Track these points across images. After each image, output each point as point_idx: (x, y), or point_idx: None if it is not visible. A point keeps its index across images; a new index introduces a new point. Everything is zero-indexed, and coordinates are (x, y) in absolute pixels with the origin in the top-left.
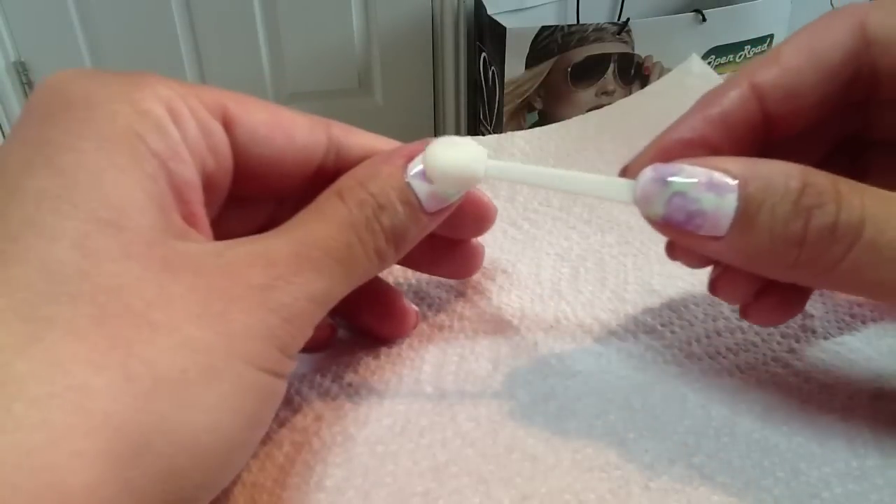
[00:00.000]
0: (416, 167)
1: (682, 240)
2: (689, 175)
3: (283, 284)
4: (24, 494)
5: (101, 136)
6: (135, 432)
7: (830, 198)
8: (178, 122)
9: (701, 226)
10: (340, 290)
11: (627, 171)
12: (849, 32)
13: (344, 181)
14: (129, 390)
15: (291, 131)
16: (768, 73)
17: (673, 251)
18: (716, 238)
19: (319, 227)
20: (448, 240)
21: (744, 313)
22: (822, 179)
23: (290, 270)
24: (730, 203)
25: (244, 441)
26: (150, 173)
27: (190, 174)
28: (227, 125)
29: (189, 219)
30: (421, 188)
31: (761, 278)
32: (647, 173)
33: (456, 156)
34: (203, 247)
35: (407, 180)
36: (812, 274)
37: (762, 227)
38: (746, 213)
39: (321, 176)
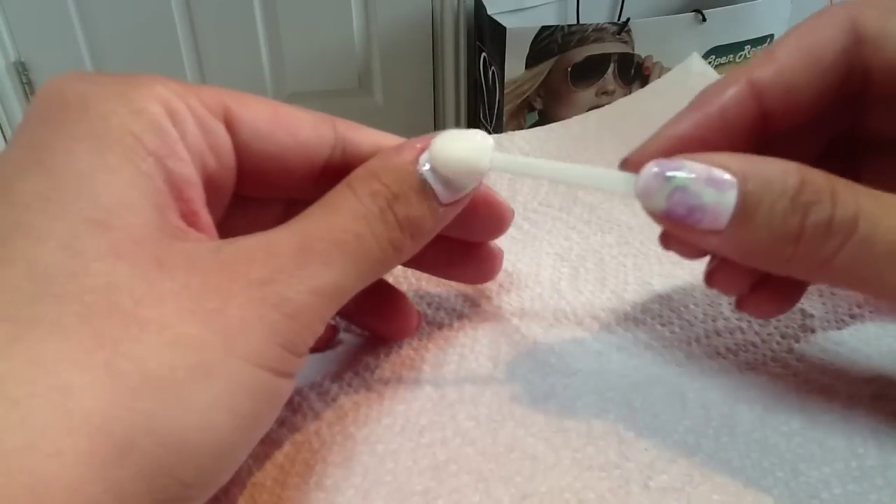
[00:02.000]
0: (428, 158)
1: (682, 233)
2: (690, 171)
3: (286, 278)
4: (1, 497)
5: (95, 136)
6: (119, 431)
7: (826, 195)
8: (176, 121)
9: (701, 220)
10: (351, 284)
11: (627, 164)
12: (841, 30)
13: (356, 173)
14: (113, 389)
15: (295, 128)
16: (766, 70)
17: (668, 241)
18: (715, 232)
19: (327, 218)
20: (464, 243)
21: (739, 305)
22: (818, 177)
23: (293, 263)
24: (729, 199)
25: (240, 441)
26: (145, 171)
27: (189, 172)
28: (229, 124)
29: (190, 217)
30: (435, 179)
31: (757, 271)
32: (650, 168)
33: (461, 147)
34: (200, 244)
35: (420, 170)
36: (808, 268)
37: (760, 222)
38: (745, 208)
39: (329, 173)
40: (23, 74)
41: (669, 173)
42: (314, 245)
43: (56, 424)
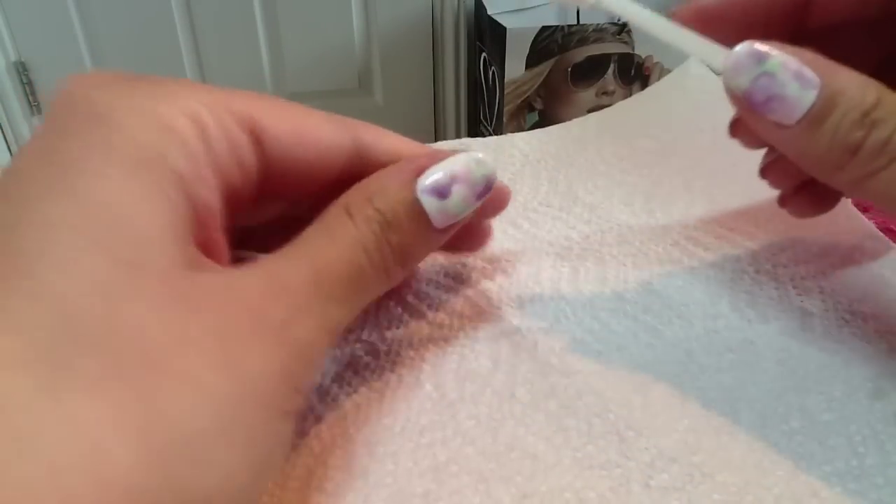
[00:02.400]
0: (426, 180)
1: (752, 120)
2: (783, 60)
3: (302, 318)
4: None
5: (124, 156)
6: (147, 494)
7: (894, 115)
8: (205, 138)
9: (775, 110)
10: (351, 316)
11: (675, 15)
12: None
13: (352, 195)
14: (144, 451)
15: (316, 138)
16: None
17: (737, 130)
18: (782, 126)
19: (331, 250)
20: None
21: (781, 202)
22: (893, 98)
23: (307, 302)
24: (809, 97)
25: (256, 490)
26: (172, 199)
27: (212, 198)
28: (255, 137)
29: (206, 245)
30: (431, 204)
31: (805, 173)
32: (746, 45)
33: None
34: (217, 278)
35: (416, 195)
36: (852, 180)
37: (828, 127)
38: (820, 111)
39: (346, 178)
40: (23, 74)
41: (763, 56)
42: (324, 281)
43: (89, 490)
